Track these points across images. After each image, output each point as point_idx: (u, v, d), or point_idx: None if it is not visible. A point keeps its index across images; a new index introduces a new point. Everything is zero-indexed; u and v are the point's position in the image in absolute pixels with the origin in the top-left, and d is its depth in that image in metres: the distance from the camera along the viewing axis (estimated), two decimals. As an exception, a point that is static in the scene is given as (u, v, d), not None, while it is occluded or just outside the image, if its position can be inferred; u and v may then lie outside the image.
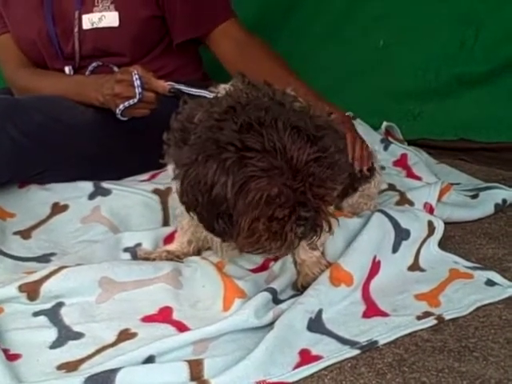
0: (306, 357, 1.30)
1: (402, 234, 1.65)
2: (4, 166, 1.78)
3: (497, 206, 1.97)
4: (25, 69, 2.16)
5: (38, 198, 1.90)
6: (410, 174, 2.21)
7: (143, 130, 1.88)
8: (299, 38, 2.78)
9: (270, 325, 1.36)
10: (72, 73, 2.12)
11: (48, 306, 1.46)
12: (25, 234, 1.80)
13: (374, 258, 1.58)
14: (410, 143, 2.53)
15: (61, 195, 1.90)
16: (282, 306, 1.42)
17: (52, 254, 1.73)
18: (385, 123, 2.55)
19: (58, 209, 1.88)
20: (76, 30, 2.06)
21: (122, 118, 1.86)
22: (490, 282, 1.56)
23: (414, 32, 2.64)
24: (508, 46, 2.53)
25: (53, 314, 1.45)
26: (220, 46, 2.08)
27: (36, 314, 1.45)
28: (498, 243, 1.80)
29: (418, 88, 2.68)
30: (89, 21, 2.05)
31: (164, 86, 1.76)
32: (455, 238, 1.83)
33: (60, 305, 1.47)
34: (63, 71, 2.12)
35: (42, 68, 2.18)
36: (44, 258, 1.70)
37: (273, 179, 1.25)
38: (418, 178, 2.17)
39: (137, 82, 1.75)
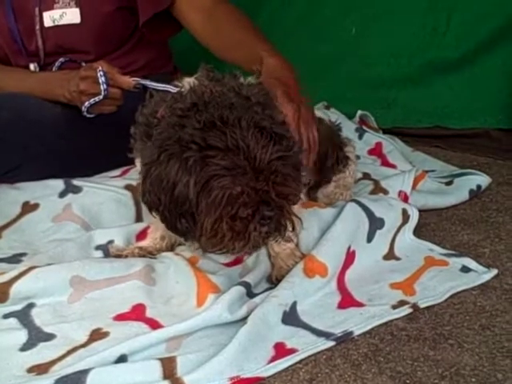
0: (280, 350, 1.29)
1: (376, 224, 1.63)
2: None
3: (471, 191, 1.97)
4: None
5: (7, 198, 1.87)
6: (385, 163, 2.20)
7: (111, 125, 1.85)
8: (271, 27, 2.73)
9: (244, 319, 1.34)
10: (38, 69, 2.08)
11: (18, 307, 1.44)
12: (-6, 234, 1.78)
13: (349, 248, 1.56)
14: (385, 131, 2.53)
15: (31, 194, 1.87)
16: (256, 299, 1.40)
17: (23, 255, 1.69)
18: (359, 112, 2.54)
19: (28, 208, 1.84)
20: (38, 27, 2.02)
21: (89, 115, 1.83)
22: (465, 269, 1.56)
23: (386, 19, 2.64)
24: (480, 32, 2.53)
25: (23, 316, 1.42)
26: (187, 18, 1.99)
27: (6, 316, 1.42)
28: (473, 229, 1.80)
29: (391, 75, 2.68)
30: (50, 18, 2.02)
31: (129, 81, 1.72)
32: (430, 225, 1.83)
33: (31, 306, 1.44)
34: (28, 68, 2.08)
35: (5, 65, 2.13)
36: (14, 259, 1.67)
37: (236, 178, 1.23)
38: (393, 166, 2.16)
39: (101, 79, 1.72)
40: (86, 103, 1.78)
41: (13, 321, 1.41)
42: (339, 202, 1.75)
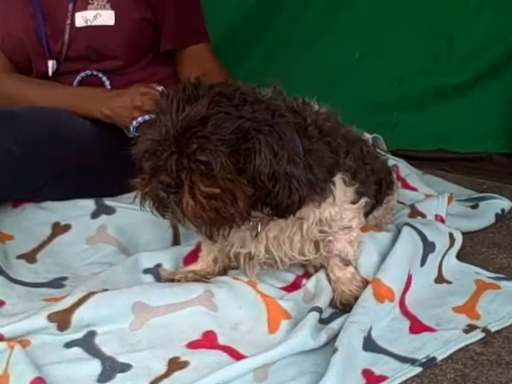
0: (370, 378, 1.28)
1: (429, 247, 1.64)
2: (4, 181, 1.67)
3: (497, 215, 2.01)
4: (9, 74, 2.02)
5: (35, 218, 1.79)
6: (406, 185, 2.20)
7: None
8: (273, 53, 2.76)
9: (324, 346, 1.33)
10: (55, 67, 2.00)
11: (79, 335, 1.37)
12: (29, 257, 1.69)
13: (408, 271, 1.57)
14: (391, 154, 2.55)
15: (60, 214, 1.79)
16: (333, 325, 1.39)
17: (63, 278, 1.63)
18: (367, 135, 2.54)
19: (59, 229, 1.77)
20: (68, 27, 1.95)
21: (131, 134, 1.78)
22: (519, 292, 1.59)
23: (388, 44, 2.67)
24: (479, 59, 2.61)
25: (87, 345, 1.36)
26: (183, 67, 2.08)
27: (68, 344, 1.35)
28: (509, 253, 1.82)
29: (394, 99, 2.71)
30: (82, 18, 1.95)
31: None
32: (466, 248, 1.84)
33: (92, 334, 1.38)
34: (46, 67, 1.99)
35: (24, 68, 2.03)
36: (57, 283, 1.61)
37: (153, 136, 1.27)
38: (415, 189, 2.16)
39: None
40: (140, 118, 1.74)
41: (77, 350, 1.34)
42: (389, 226, 1.75)
